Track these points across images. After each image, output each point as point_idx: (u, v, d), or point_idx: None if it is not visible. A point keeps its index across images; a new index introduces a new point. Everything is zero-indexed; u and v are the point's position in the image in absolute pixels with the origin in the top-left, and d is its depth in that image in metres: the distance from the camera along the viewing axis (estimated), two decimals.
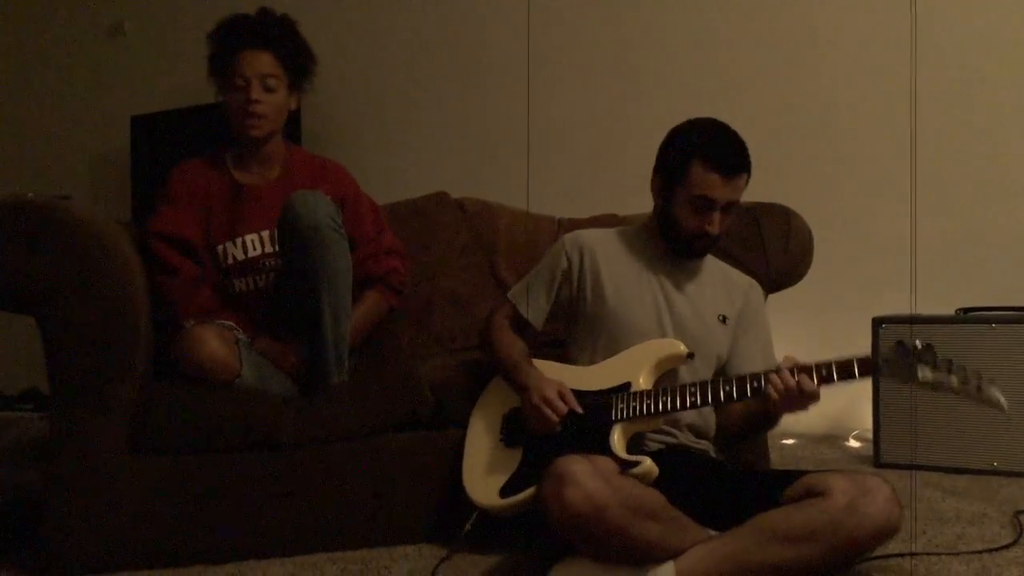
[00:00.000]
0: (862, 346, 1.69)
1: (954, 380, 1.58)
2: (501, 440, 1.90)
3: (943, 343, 1.63)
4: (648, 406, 1.75)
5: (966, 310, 2.64)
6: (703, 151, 1.84)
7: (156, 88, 4.35)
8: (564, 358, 2.00)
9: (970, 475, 2.47)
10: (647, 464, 1.64)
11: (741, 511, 1.55)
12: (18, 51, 4.74)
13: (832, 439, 3.08)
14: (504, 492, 1.80)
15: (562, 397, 1.80)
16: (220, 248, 2.17)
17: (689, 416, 1.87)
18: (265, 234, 2.19)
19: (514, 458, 1.85)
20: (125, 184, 4.25)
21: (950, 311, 2.65)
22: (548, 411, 1.79)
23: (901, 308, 2.80)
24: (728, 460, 1.95)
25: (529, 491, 1.73)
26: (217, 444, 1.91)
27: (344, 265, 2.06)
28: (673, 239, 1.93)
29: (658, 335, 1.89)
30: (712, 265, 2.03)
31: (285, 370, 2.09)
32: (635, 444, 1.80)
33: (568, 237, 2.05)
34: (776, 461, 2.45)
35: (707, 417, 1.92)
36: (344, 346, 2.06)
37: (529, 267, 2.11)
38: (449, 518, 1.91)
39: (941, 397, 2.48)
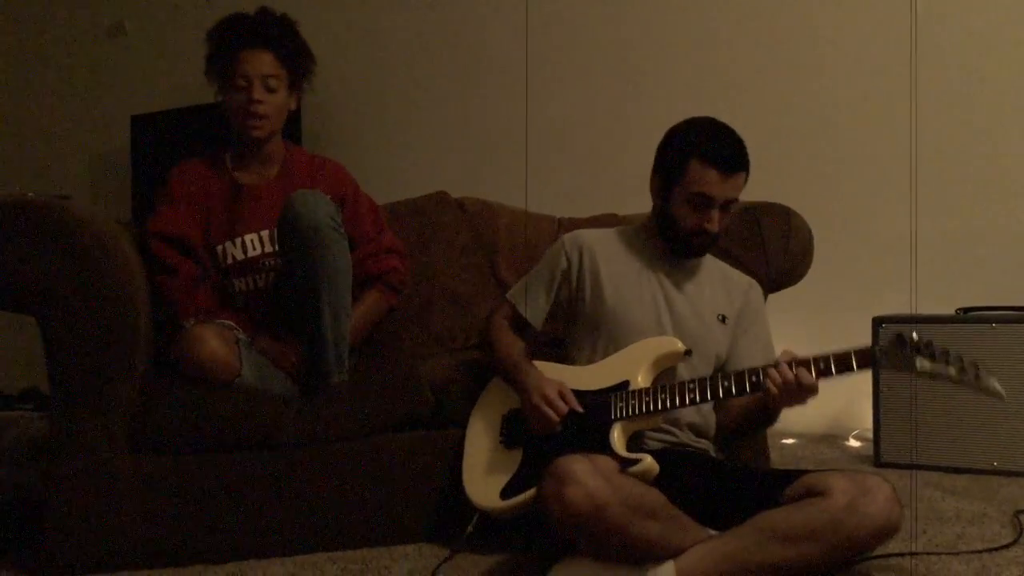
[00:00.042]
0: (862, 346, 1.69)
1: (952, 370, 1.57)
2: (501, 441, 1.90)
3: (943, 343, 1.63)
4: (647, 404, 1.75)
5: (966, 310, 2.64)
6: (701, 149, 1.84)
7: (156, 88, 4.35)
8: (563, 358, 2.00)
9: (970, 474, 2.47)
10: (647, 462, 1.64)
11: (741, 510, 1.55)
12: (18, 51, 4.74)
13: (832, 438, 3.08)
14: (505, 493, 1.80)
15: (562, 396, 1.80)
16: (220, 248, 2.17)
17: (689, 415, 1.87)
18: (265, 234, 2.19)
19: (514, 459, 1.85)
20: (125, 184, 4.25)
21: (950, 311, 2.65)
22: (548, 410, 1.79)
23: (901, 308, 2.81)
24: (728, 459, 1.95)
25: (530, 492, 1.73)
26: (217, 444, 1.91)
27: (344, 265, 2.06)
28: (672, 238, 1.93)
29: (657, 335, 1.89)
30: (712, 265, 2.03)
31: (285, 370, 2.09)
32: (635, 442, 1.80)
33: (567, 237, 2.05)
34: (776, 460, 2.45)
35: (707, 416, 1.92)
36: (344, 345, 2.06)
37: (529, 267, 2.11)
38: (449, 518, 1.91)
39: (941, 396, 2.52)
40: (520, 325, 2.02)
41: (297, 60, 2.24)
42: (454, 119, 3.99)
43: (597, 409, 1.79)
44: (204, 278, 2.16)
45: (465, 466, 1.92)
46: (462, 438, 1.97)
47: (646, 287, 1.95)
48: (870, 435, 2.74)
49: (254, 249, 2.18)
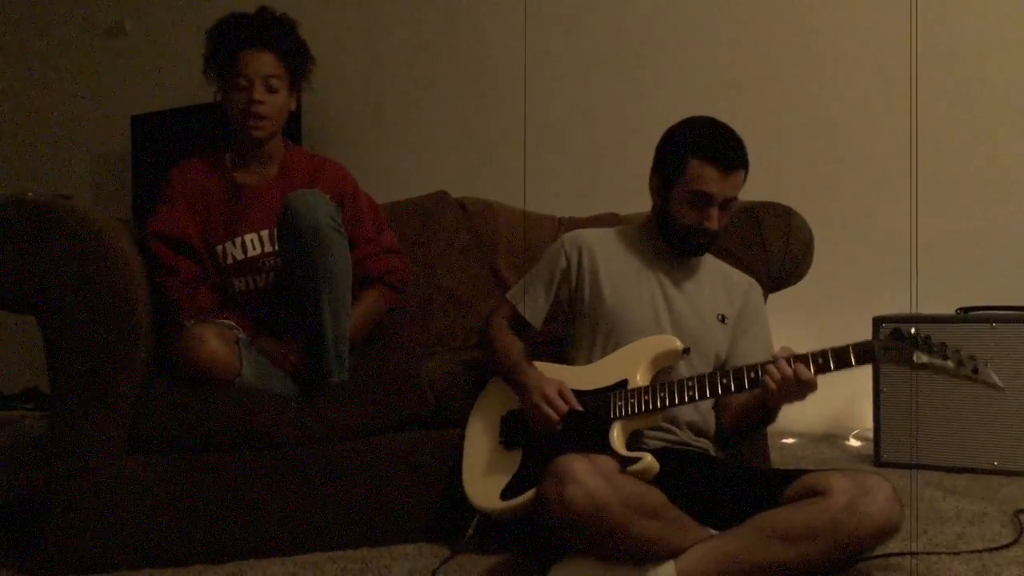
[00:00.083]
0: None
1: (950, 363, 1.57)
2: (501, 442, 1.90)
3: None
4: (645, 403, 1.75)
5: (966, 309, 2.64)
6: (700, 147, 1.84)
7: (156, 87, 4.35)
8: (563, 358, 2.00)
9: (970, 474, 2.47)
10: (648, 460, 1.64)
11: (741, 510, 1.55)
12: (18, 51, 4.74)
13: (832, 438, 3.08)
14: (505, 494, 1.80)
15: (562, 396, 1.80)
16: (220, 248, 2.17)
17: (688, 413, 1.87)
18: (265, 234, 2.19)
19: (514, 460, 1.85)
20: (126, 183, 4.26)
21: (950, 311, 2.65)
22: (548, 410, 1.79)
23: (901, 308, 2.80)
24: (728, 459, 1.95)
25: (530, 493, 1.73)
26: (217, 443, 1.91)
27: (344, 264, 2.06)
28: (672, 237, 1.93)
29: (656, 334, 1.89)
30: (711, 264, 2.03)
31: (285, 369, 2.09)
32: (634, 441, 1.80)
33: (567, 237, 2.05)
34: (776, 460, 2.44)
35: (706, 415, 1.92)
36: (344, 345, 2.06)
37: (529, 266, 2.11)
38: (449, 518, 1.91)
39: (941, 395, 2.52)
40: (520, 325, 2.02)
41: (298, 60, 2.24)
42: (454, 119, 3.99)
43: (596, 408, 1.79)
44: (204, 278, 2.16)
45: (465, 467, 1.92)
46: (462, 438, 1.97)
47: (645, 286, 1.95)
48: (870, 434, 2.74)
49: (254, 249, 2.18)
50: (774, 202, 2.31)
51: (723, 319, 1.96)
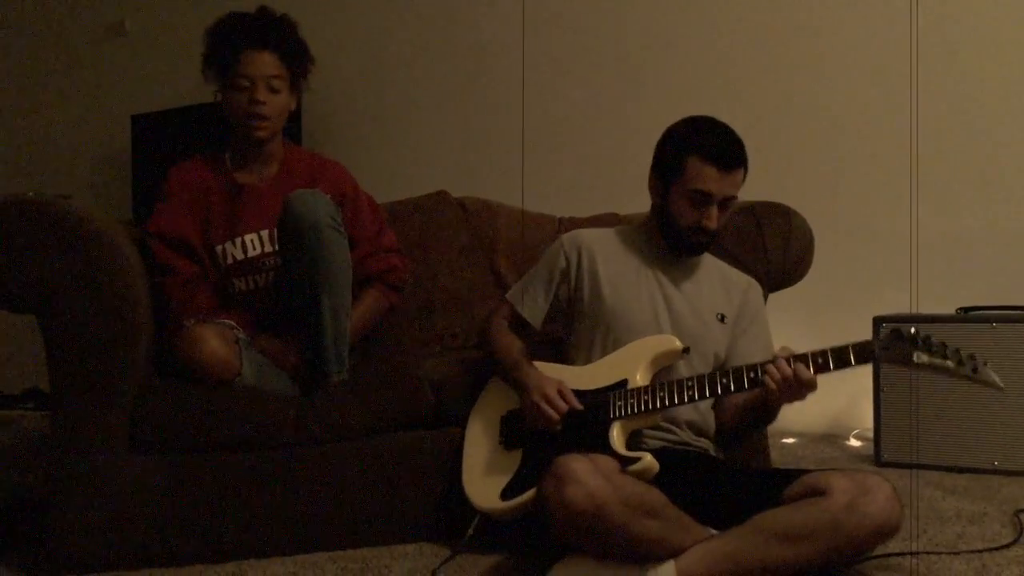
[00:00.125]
0: None
1: (950, 362, 1.57)
2: (500, 442, 1.90)
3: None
4: (645, 402, 1.75)
5: (966, 309, 2.64)
6: (699, 146, 1.85)
7: (157, 87, 4.35)
8: (563, 358, 2.00)
9: (971, 474, 2.47)
10: (647, 460, 1.64)
11: (741, 510, 1.55)
12: (18, 50, 4.74)
13: (833, 438, 3.08)
14: (505, 494, 1.80)
15: (562, 395, 1.80)
16: (219, 248, 2.17)
17: (688, 413, 1.87)
18: (265, 234, 2.19)
19: (514, 460, 1.85)
20: (126, 184, 4.26)
21: (950, 310, 2.65)
22: (548, 409, 1.79)
23: (901, 308, 2.80)
24: (728, 459, 1.95)
25: (530, 492, 1.73)
26: (217, 443, 1.91)
27: (344, 264, 2.06)
28: (671, 236, 1.94)
29: (655, 333, 1.89)
30: (711, 264, 2.03)
31: (285, 369, 2.09)
32: (634, 441, 1.80)
33: (566, 237, 2.05)
34: (776, 460, 2.45)
35: (705, 414, 1.92)
36: (344, 345, 2.06)
37: (529, 266, 2.11)
38: (449, 517, 1.91)
39: (942, 395, 2.51)
40: (519, 325, 2.02)
41: (298, 60, 2.24)
42: (454, 119, 3.99)
43: (596, 408, 1.79)
44: (203, 278, 2.16)
45: (465, 467, 1.92)
46: (462, 438, 1.97)
47: (645, 286, 1.95)
48: (870, 434, 2.74)
49: (254, 249, 2.18)
50: (774, 202, 2.31)
51: (722, 319, 1.96)
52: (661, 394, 1.75)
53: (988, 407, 2.48)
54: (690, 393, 1.73)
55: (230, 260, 2.17)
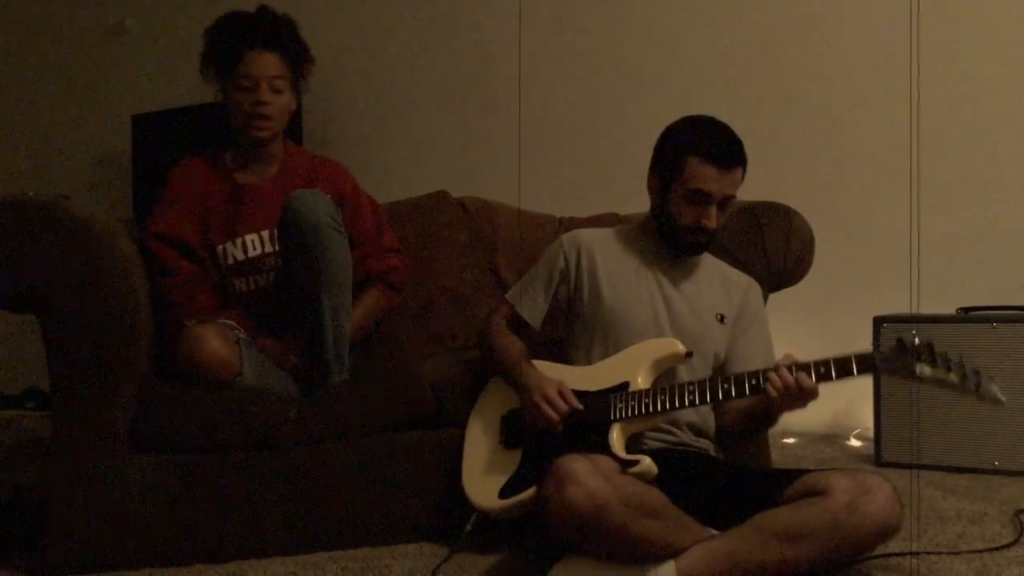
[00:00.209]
0: (863, 346, 1.69)
1: (953, 377, 1.57)
2: (500, 442, 1.90)
3: (944, 342, 1.63)
4: (646, 405, 1.75)
5: (967, 309, 2.64)
6: (698, 145, 1.85)
7: (157, 87, 4.36)
8: (562, 358, 2.00)
9: (971, 474, 2.47)
10: (646, 463, 1.64)
11: (742, 510, 1.55)
12: (19, 50, 4.74)
13: (833, 438, 3.08)
14: (503, 493, 1.80)
15: (562, 396, 1.80)
16: (220, 248, 2.17)
17: (688, 415, 1.87)
18: (265, 234, 2.19)
19: (513, 459, 1.85)
20: (126, 184, 4.26)
21: (951, 310, 2.65)
22: (549, 410, 1.78)
23: (902, 307, 2.80)
24: (728, 459, 1.95)
25: (529, 492, 1.73)
26: (218, 443, 1.91)
27: (344, 264, 2.06)
28: (670, 236, 1.94)
29: (655, 334, 1.89)
30: (710, 264, 2.03)
31: (286, 369, 2.09)
32: (634, 443, 1.80)
33: (565, 237, 2.05)
34: (777, 460, 2.45)
35: (706, 416, 1.92)
36: (344, 345, 2.06)
37: (529, 266, 2.11)
38: (449, 517, 1.91)
39: (942, 396, 2.51)
40: (519, 325, 2.02)
41: (300, 61, 2.24)
42: (454, 119, 3.99)
43: (597, 409, 1.79)
44: (204, 278, 2.16)
45: (464, 466, 1.92)
46: (462, 438, 1.97)
47: (644, 286, 1.95)
48: (871, 434, 2.74)
49: (254, 249, 2.18)
50: (774, 202, 2.31)
51: (722, 319, 1.95)
52: (662, 397, 1.75)
53: (988, 408, 2.45)
54: (691, 398, 1.73)
55: (230, 260, 2.17)
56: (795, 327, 2.63)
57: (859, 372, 1.62)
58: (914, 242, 2.99)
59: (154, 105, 4.21)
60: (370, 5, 4.15)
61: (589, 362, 1.92)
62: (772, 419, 1.85)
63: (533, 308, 2.00)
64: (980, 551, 1.76)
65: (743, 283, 2.04)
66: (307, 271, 2.01)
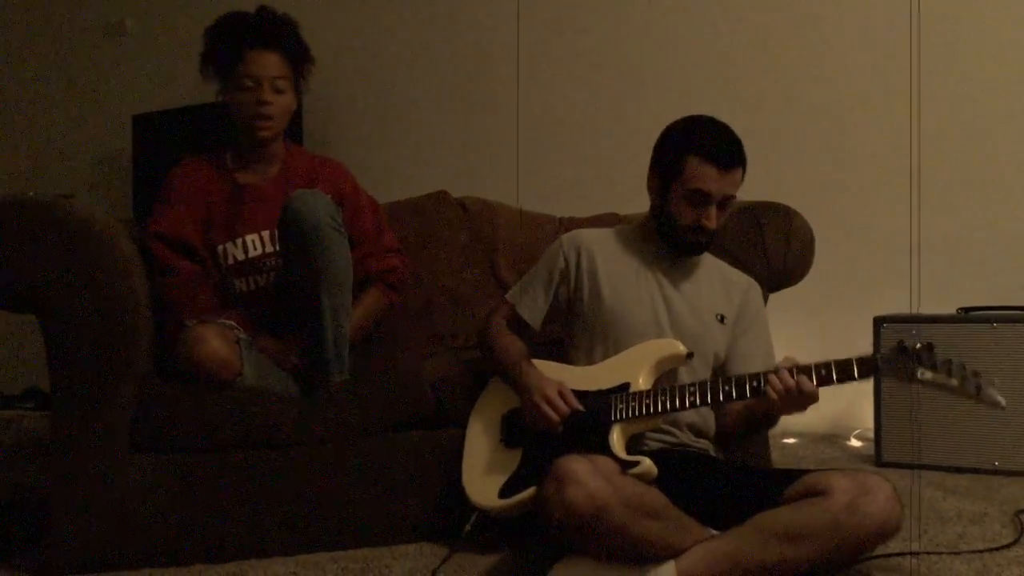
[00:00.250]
0: (863, 346, 1.69)
1: (954, 381, 1.58)
2: (501, 441, 1.90)
3: (944, 342, 1.63)
4: (647, 406, 1.75)
5: (967, 309, 2.64)
6: (698, 145, 1.85)
7: (158, 87, 4.36)
8: (563, 358, 2.00)
9: (971, 474, 2.47)
10: (646, 464, 1.64)
11: (742, 510, 1.55)
12: (19, 50, 4.74)
13: (833, 438, 3.08)
14: (503, 493, 1.80)
15: (563, 396, 1.80)
16: (220, 248, 2.17)
17: (688, 415, 1.87)
18: (266, 234, 2.19)
19: (513, 459, 1.85)
20: (127, 184, 4.26)
21: (951, 311, 2.65)
22: (549, 410, 1.78)
23: (902, 307, 2.80)
24: (728, 459, 1.95)
25: (529, 491, 1.73)
26: (218, 443, 1.91)
27: (344, 264, 2.06)
28: (670, 236, 1.94)
29: (655, 334, 1.89)
30: (711, 264, 2.03)
31: (286, 369, 2.09)
32: (634, 444, 1.80)
33: (565, 237, 2.05)
34: (777, 460, 2.45)
35: (706, 416, 1.92)
36: (344, 344, 2.06)
37: (529, 266, 2.11)
38: (450, 517, 1.91)
39: (942, 396, 2.49)
40: (519, 326, 2.02)
41: (301, 61, 2.24)
42: (454, 119, 3.99)
43: (597, 410, 1.79)
44: (204, 278, 2.16)
45: (465, 466, 1.92)
46: (462, 438, 1.97)
47: (644, 286, 1.95)
48: (871, 435, 2.74)
49: (255, 249, 2.18)
50: (774, 202, 2.31)
51: (722, 319, 1.95)
52: (662, 398, 1.75)
53: (989, 408, 2.47)
54: (691, 399, 1.73)
55: (231, 260, 2.17)
56: (795, 327, 2.64)
57: (860, 375, 1.62)
58: (914, 242, 2.99)
59: (154, 105, 4.21)
60: (370, 5, 4.15)
61: (589, 362, 1.92)
62: (772, 420, 1.85)
63: (533, 308, 2.00)
64: (980, 551, 1.76)
65: (743, 283, 2.04)
66: (307, 271, 2.01)
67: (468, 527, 1.80)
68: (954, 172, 3.14)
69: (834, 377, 1.64)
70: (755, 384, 1.69)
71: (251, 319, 2.15)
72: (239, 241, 2.17)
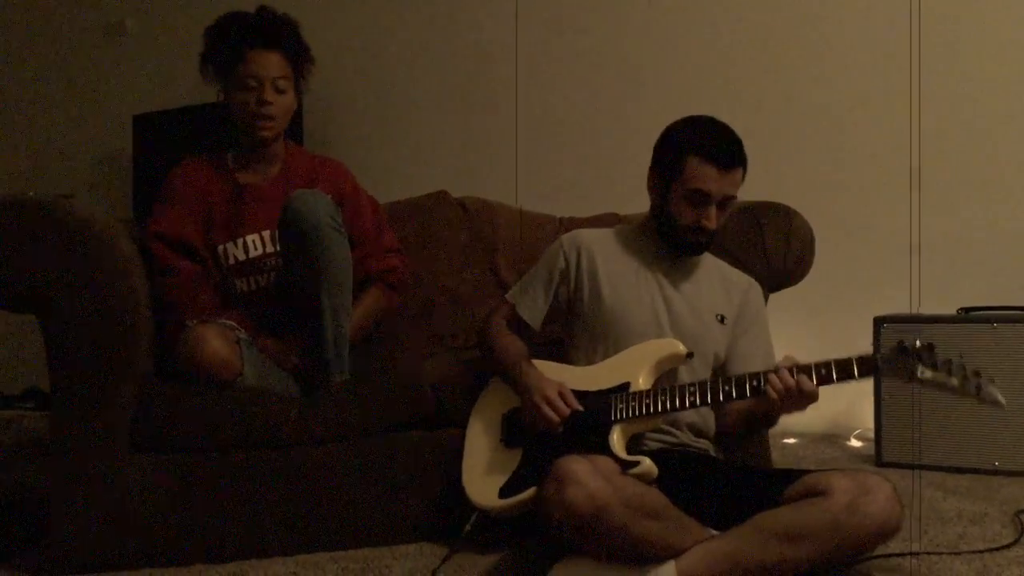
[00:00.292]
0: (863, 346, 1.69)
1: (954, 380, 1.58)
2: (501, 441, 1.90)
3: (944, 343, 1.63)
4: (647, 406, 1.75)
5: (967, 309, 2.64)
6: (698, 145, 1.85)
7: (158, 87, 4.36)
8: (563, 358, 2.00)
9: (972, 474, 2.47)
10: (646, 464, 1.64)
11: (742, 510, 1.55)
12: (19, 50, 4.74)
13: (833, 438, 3.08)
14: (503, 493, 1.80)
15: (563, 397, 1.80)
16: (221, 248, 2.17)
17: (688, 415, 1.87)
18: (266, 234, 2.19)
19: (514, 459, 1.85)
20: (127, 184, 4.26)
21: (952, 311, 2.65)
22: (549, 411, 1.78)
23: (902, 308, 2.80)
24: (728, 459, 1.95)
25: (529, 491, 1.73)
26: (218, 443, 1.91)
27: (344, 264, 2.06)
28: (670, 236, 1.93)
29: (655, 334, 1.89)
30: (711, 264, 2.03)
31: (286, 369, 2.09)
32: (634, 444, 1.80)
33: (566, 237, 2.05)
34: (777, 460, 2.44)
35: (706, 416, 1.92)
36: (345, 344, 2.06)
37: (529, 266, 2.11)
38: (450, 517, 1.91)
39: (942, 396, 2.49)
40: (519, 326, 2.02)
41: (302, 61, 2.24)
42: (454, 119, 3.99)
43: (597, 410, 1.79)
44: (205, 278, 2.16)
45: (465, 466, 1.92)
46: (462, 438, 1.97)
47: (644, 286, 1.95)
48: (871, 435, 2.74)
49: (256, 249, 2.18)
50: (774, 202, 2.31)
51: (722, 319, 1.95)
52: (662, 398, 1.75)
53: (989, 408, 2.46)
54: (691, 399, 1.73)
55: (232, 261, 2.17)
56: (795, 327, 2.63)
57: (860, 375, 1.62)
58: (914, 242, 2.99)
59: (154, 105, 4.21)
60: (370, 5, 4.15)
61: (589, 362, 1.92)
62: (772, 420, 1.85)
63: (533, 308, 2.00)
64: (980, 551, 1.76)
65: (744, 283, 2.04)
66: (307, 271, 2.01)
67: (468, 527, 1.80)
68: (954, 172, 3.14)
69: (834, 376, 1.64)
70: (755, 383, 1.69)
71: (251, 319, 2.15)
72: (240, 241, 2.17)
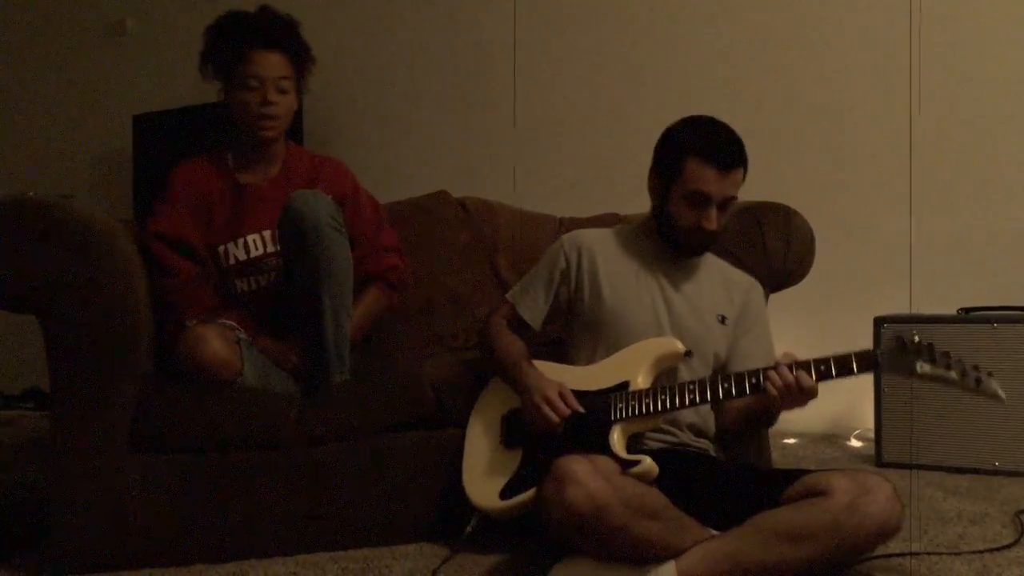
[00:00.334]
0: (863, 346, 1.69)
1: (953, 374, 1.57)
2: (501, 442, 1.90)
3: (944, 343, 1.63)
4: (647, 405, 1.75)
5: (967, 310, 2.64)
6: (698, 146, 1.84)
7: (158, 87, 4.36)
8: (563, 358, 2.00)
9: (971, 474, 2.47)
10: (647, 463, 1.64)
11: (742, 510, 1.55)
12: (20, 50, 4.74)
13: (833, 438, 3.08)
14: (504, 494, 1.80)
15: (563, 397, 1.80)
16: (221, 248, 2.17)
17: (688, 415, 1.87)
18: (267, 234, 2.19)
19: (514, 459, 1.85)
20: (127, 184, 4.26)
21: (951, 311, 2.65)
22: (549, 411, 1.78)
23: (902, 308, 2.80)
24: (728, 459, 1.95)
25: (530, 492, 1.73)
26: (218, 443, 1.91)
27: (345, 264, 2.06)
28: (670, 237, 1.93)
29: (656, 334, 1.89)
30: (712, 264, 2.03)
31: (287, 369, 2.09)
32: (635, 443, 1.80)
33: (566, 237, 2.05)
34: (777, 460, 2.45)
35: (706, 416, 1.92)
36: (345, 344, 2.06)
37: (529, 266, 2.11)
38: (450, 517, 1.91)
39: (942, 396, 2.51)
40: (519, 326, 2.02)
41: (303, 61, 2.24)
42: (454, 119, 3.99)
43: (597, 410, 1.79)
44: (205, 278, 2.16)
45: (465, 466, 1.92)
46: (462, 438, 1.97)
47: (645, 287, 1.95)
48: (871, 435, 2.74)
49: (256, 249, 2.18)
50: (774, 202, 2.31)
51: (723, 320, 1.95)
52: (662, 397, 1.75)
53: (989, 408, 2.45)
54: (691, 397, 1.73)
55: (232, 261, 2.17)
56: (795, 327, 2.63)
57: (859, 370, 1.62)
58: (914, 242, 2.99)
59: (154, 105, 4.21)
60: (370, 5, 4.15)
61: (589, 363, 1.92)
62: (772, 418, 1.85)
63: (534, 308, 2.00)
64: (980, 552, 1.76)
65: (745, 283, 2.04)
66: (308, 271, 2.01)
67: (469, 529, 1.80)
68: (953, 172, 3.14)
69: (833, 372, 1.64)
70: (754, 381, 1.69)
71: (252, 319, 2.15)
72: (240, 241, 2.17)
